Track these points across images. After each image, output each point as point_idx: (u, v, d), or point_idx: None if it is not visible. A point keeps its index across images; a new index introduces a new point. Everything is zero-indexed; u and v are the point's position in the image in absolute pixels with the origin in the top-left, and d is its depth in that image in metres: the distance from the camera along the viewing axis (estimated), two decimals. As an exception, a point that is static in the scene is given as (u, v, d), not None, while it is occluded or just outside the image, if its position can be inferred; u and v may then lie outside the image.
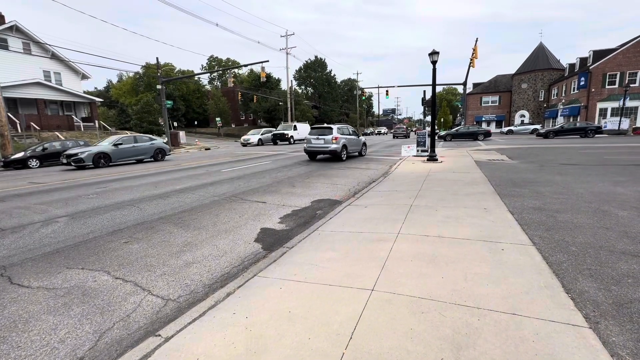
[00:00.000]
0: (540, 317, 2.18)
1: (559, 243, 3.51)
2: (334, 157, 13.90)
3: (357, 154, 15.76)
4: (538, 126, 39.00)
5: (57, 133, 25.14)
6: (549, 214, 4.61)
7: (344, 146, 13.97)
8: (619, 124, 30.04)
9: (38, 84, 26.29)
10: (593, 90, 34.07)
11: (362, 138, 16.66)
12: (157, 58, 27.85)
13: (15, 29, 25.52)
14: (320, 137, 13.64)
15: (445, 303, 2.42)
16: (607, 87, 33.72)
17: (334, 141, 13.54)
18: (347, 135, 14.57)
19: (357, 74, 73.93)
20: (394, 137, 40.03)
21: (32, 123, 25.17)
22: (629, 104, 31.12)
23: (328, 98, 64.43)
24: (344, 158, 13.94)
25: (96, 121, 28.37)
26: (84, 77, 31.70)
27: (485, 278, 2.77)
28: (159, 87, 28.02)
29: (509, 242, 3.58)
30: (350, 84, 72.42)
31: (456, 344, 1.96)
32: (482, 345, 1.95)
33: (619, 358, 1.82)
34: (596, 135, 26.04)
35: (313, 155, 14.47)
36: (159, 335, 2.25)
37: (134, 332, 2.44)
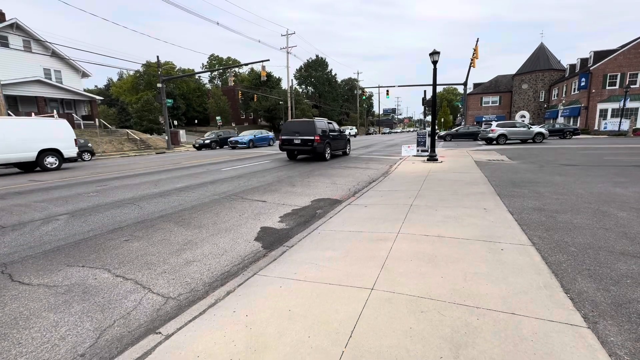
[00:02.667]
0: (539, 317, 2.19)
1: (559, 243, 3.52)
2: (489, 142, 21.05)
3: (525, 140, 21.46)
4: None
5: (57, 131, 25.08)
6: (548, 214, 4.62)
7: (503, 135, 20.86)
8: (619, 125, 30.05)
9: (38, 81, 26.27)
10: (593, 91, 34.04)
11: (534, 130, 21.56)
12: (157, 56, 27.87)
13: (16, 27, 25.47)
14: (486, 129, 21.06)
15: (445, 302, 2.43)
16: (607, 88, 33.68)
17: (492, 132, 20.97)
18: (509, 127, 21.31)
19: (358, 73, 73.99)
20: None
21: (32, 121, 25.12)
22: (630, 105, 31.09)
23: (328, 97, 64.41)
24: (501, 142, 20.82)
25: (96, 119, 28.31)
26: (85, 75, 31.66)
27: (484, 278, 2.78)
28: (159, 85, 28.02)
29: (508, 242, 3.59)
30: (351, 83, 72.42)
31: (455, 343, 1.97)
32: (481, 344, 1.95)
33: (617, 358, 1.83)
34: (573, 137, 26.90)
35: (489, 140, 21.52)
36: (160, 332, 2.26)
37: (135, 330, 2.45)
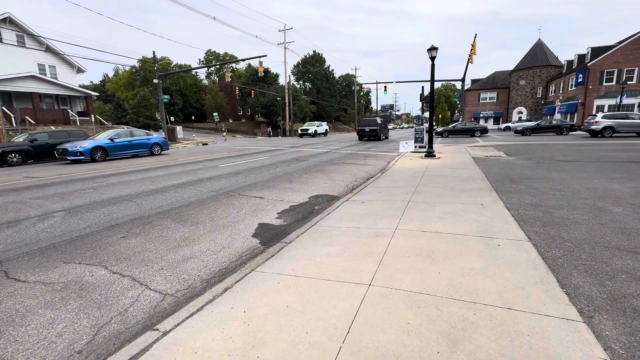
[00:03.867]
0: (536, 312, 2.21)
1: (555, 239, 3.54)
2: (592, 135, 20.12)
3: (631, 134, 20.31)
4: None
5: (52, 127, 24.89)
6: (545, 210, 4.64)
7: (609, 127, 19.14)
8: (616, 121, 30.14)
9: (33, 77, 25.95)
10: (590, 87, 34.15)
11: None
12: (153, 52, 27.59)
13: (9, 21, 25.09)
14: (589, 120, 19.69)
15: (442, 298, 2.44)
16: (604, 84, 33.80)
17: (595, 123, 19.65)
18: (619, 119, 19.54)
19: (356, 69, 73.89)
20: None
21: (27, 117, 24.92)
22: (626, 101, 31.24)
23: (326, 93, 64.09)
24: (607, 135, 19.37)
25: (92, 115, 28.10)
26: (80, 70, 31.30)
27: (481, 273, 2.80)
28: (155, 81, 27.76)
29: (505, 237, 3.61)
30: (349, 79, 72.13)
31: (452, 338, 1.98)
32: (478, 339, 1.97)
33: (612, 351, 1.84)
34: (570, 133, 26.74)
35: (592, 133, 20.41)
36: (157, 329, 2.25)
37: (132, 327, 2.45)
